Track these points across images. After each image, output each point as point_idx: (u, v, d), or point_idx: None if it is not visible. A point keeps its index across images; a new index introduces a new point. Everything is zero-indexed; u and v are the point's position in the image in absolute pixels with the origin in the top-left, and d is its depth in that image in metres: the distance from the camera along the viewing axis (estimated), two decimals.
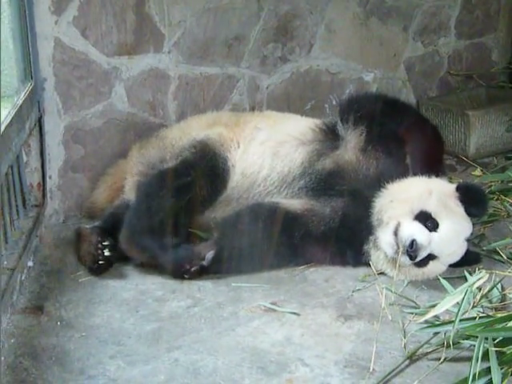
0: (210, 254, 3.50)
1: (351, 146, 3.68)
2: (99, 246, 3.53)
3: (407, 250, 3.32)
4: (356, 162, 3.65)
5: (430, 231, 3.38)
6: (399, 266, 3.37)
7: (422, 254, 3.34)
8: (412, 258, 3.32)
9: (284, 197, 3.69)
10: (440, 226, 3.40)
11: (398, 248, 3.34)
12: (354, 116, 3.70)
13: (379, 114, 3.68)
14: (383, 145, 3.64)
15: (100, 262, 3.52)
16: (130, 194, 3.79)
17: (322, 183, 3.66)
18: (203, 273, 3.50)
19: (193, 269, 3.48)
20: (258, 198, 3.70)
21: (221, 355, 2.94)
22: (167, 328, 3.14)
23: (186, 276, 3.48)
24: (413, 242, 3.30)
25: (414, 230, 3.34)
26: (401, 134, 3.66)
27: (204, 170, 3.68)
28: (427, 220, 3.39)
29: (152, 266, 3.55)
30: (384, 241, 3.42)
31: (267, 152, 3.77)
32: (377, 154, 3.64)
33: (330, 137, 3.75)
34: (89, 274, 3.54)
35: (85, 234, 3.66)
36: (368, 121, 3.68)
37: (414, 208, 3.42)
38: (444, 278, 3.31)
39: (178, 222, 3.59)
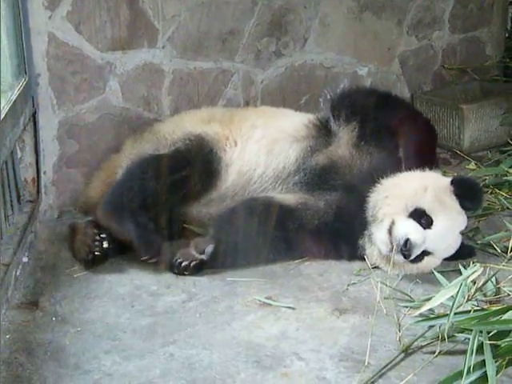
0: (209, 248, 3.49)
1: (344, 142, 3.68)
2: (97, 238, 3.52)
3: (401, 249, 3.32)
4: (349, 157, 3.65)
5: (425, 228, 3.38)
6: (394, 262, 3.38)
7: (416, 253, 3.35)
8: (406, 256, 3.33)
9: (279, 192, 3.69)
10: (435, 223, 3.40)
11: (393, 246, 3.34)
12: (345, 112, 3.71)
13: (371, 109, 3.68)
14: (376, 140, 3.65)
15: (96, 253, 3.51)
16: None
17: (316, 178, 3.66)
18: (202, 267, 3.50)
19: (192, 264, 3.48)
20: (253, 195, 3.71)
21: (216, 349, 2.95)
22: (162, 323, 3.14)
23: (185, 272, 3.48)
24: (407, 242, 3.31)
25: (409, 229, 3.34)
26: (393, 128, 3.67)
27: (195, 162, 3.68)
28: (422, 217, 3.39)
29: (120, 240, 3.56)
30: (378, 239, 3.43)
31: (262, 150, 3.77)
32: (370, 149, 3.65)
33: (324, 132, 3.75)
34: (83, 266, 3.53)
35: (80, 228, 3.65)
36: (360, 116, 3.68)
37: (409, 205, 3.41)
38: (438, 272, 3.32)
39: (159, 206, 3.59)
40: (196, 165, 3.67)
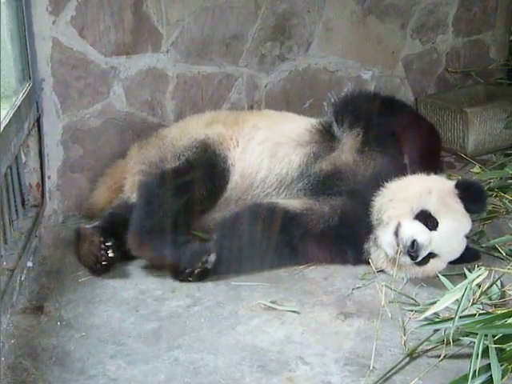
0: (212, 257, 3.48)
1: (347, 148, 3.68)
2: (102, 246, 3.52)
3: (408, 251, 3.32)
4: (353, 163, 3.65)
5: (431, 230, 3.38)
6: (399, 264, 3.38)
7: (423, 254, 3.35)
8: (413, 258, 3.33)
9: (282, 198, 3.69)
10: (440, 225, 3.40)
11: (399, 248, 3.34)
12: (348, 117, 3.70)
13: (374, 114, 3.67)
14: (380, 145, 3.64)
15: (103, 263, 3.51)
16: (129, 193, 3.79)
17: (320, 185, 3.66)
18: (206, 275, 3.50)
19: (196, 271, 3.48)
20: (256, 200, 3.71)
21: (221, 354, 2.95)
22: (167, 327, 3.14)
23: (190, 279, 3.48)
24: (413, 243, 3.31)
25: (415, 230, 3.34)
26: (397, 132, 3.66)
27: (205, 171, 3.68)
28: (427, 219, 3.40)
29: (159, 266, 3.55)
30: (384, 241, 3.43)
31: (265, 153, 3.77)
32: (374, 154, 3.64)
33: (327, 138, 3.74)
34: (91, 274, 3.54)
35: (86, 234, 3.63)
36: (363, 122, 3.67)
37: (414, 207, 3.42)
38: (443, 276, 3.32)
39: (183, 221, 3.58)
40: (205, 172, 3.67)
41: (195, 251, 3.48)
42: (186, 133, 3.86)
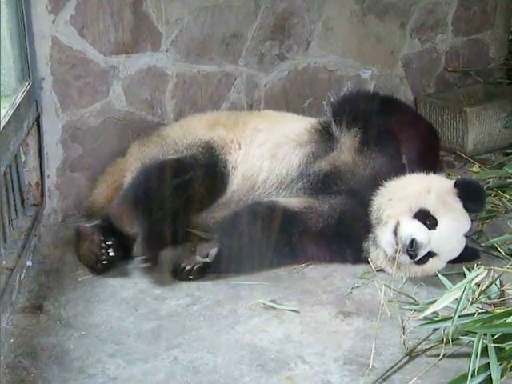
0: (213, 251, 3.49)
1: (346, 147, 3.68)
2: (103, 245, 3.52)
3: (407, 249, 3.32)
4: (352, 162, 3.65)
5: (430, 229, 3.38)
6: (399, 263, 3.38)
7: (422, 253, 3.35)
8: (412, 256, 3.33)
9: (282, 197, 3.69)
10: (439, 224, 3.41)
11: (398, 247, 3.34)
12: (347, 117, 3.70)
13: (373, 113, 3.68)
14: (379, 144, 3.64)
15: (104, 262, 3.51)
16: None
17: (320, 184, 3.67)
18: (206, 271, 3.50)
19: (196, 267, 3.48)
20: (257, 200, 3.71)
21: (220, 353, 2.95)
22: (166, 326, 3.14)
23: (190, 277, 3.48)
24: (413, 242, 3.31)
25: (414, 229, 3.35)
26: (396, 132, 3.66)
27: (207, 170, 3.70)
28: (426, 218, 3.40)
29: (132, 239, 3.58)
30: (384, 240, 3.43)
31: (266, 154, 3.78)
32: (373, 153, 3.65)
33: (326, 137, 3.75)
34: (90, 273, 3.54)
35: (86, 233, 3.63)
36: (362, 121, 3.67)
37: (413, 206, 3.42)
38: (443, 275, 3.32)
39: (175, 215, 3.59)
40: (206, 171, 3.69)
41: (154, 244, 3.53)
42: (189, 132, 3.87)
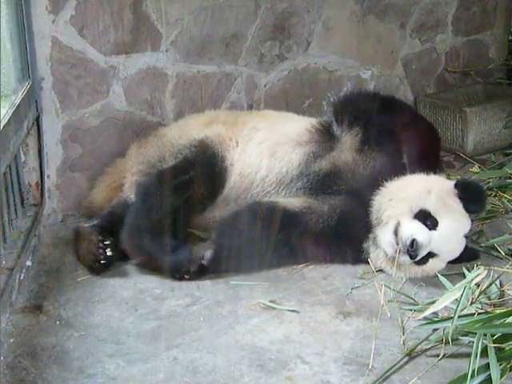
0: (208, 253, 3.50)
1: (347, 147, 3.68)
2: (100, 245, 3.52)
3: (407, 250, 3.32)
4: (352, 162, 3.66)
5: (430, 230, 3.38)
6: (399, 264, 3.38)
7: (422, 253, 3.35)
8: (412, 257, 3.33)
9: (282, 197, 3.69)
10: (439, 224, 3.41)
11: (398, 247, 3.34)
12: (348, 117, 3.71)
13: (374, 113, 3.68)
14: (379, 144, 3.65)
15: (102, 262, 3.51)
16: (129, 193, 3.80)
17: (320, 184, 3.67)
18: (203, 273, 3.50)
19: (192, 269, 3.48)
20: (255, 199, 3.72)
21: (220, 353, 2.95)
22: (166, 326, 3.14)
23: (186, 277, 3.48)
24: (413, 242, 3.31)
25: (414, 230, 3.35)
26: (396, 132, 3.66)
27: (203, 169, 3.69)
28: (427, 218, 3.40)
29: (151, 266, 3.55)
30: (384, 240, 3.43)
31: (265, 153, 3.77)
32: (373, 153, 3.65)
33: (327, 137, 3.75)
34: (89, 273, 3.54)
35: (84, 233, 3.65)
36: (363, 121, 3.68)
37: (414, 207, 3.42)
38: (442, 275, 3.32)
39: (179, 221, 3.60)
40: (202, 171, 3.68)
41: (184, 256, 3.49)
42: (185, 132, 3.87)
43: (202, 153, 3.74)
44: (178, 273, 3.47)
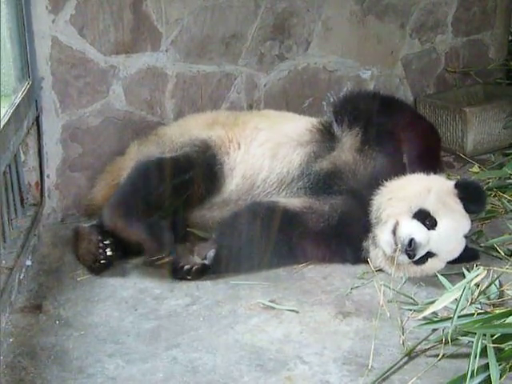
0: (211, 253, 3.49)
1: (347, 147, 3.68)
2: (100, 245, 3.52)
3: (406, 249, 3.32)
4: (353, 162, 3.66)
5: (429, 229, 3.38)
6: (398, 263, 3.38)
7: (421, 253, 3.35)
8: (410, 256, 3.33)
9: (283, 197, 3.69)
10: (439, 224, 3.41)
11: (397, 247, 3.34)
12: (348, 117, 3.71)
13: (374, 113, 3.68)
14: (380, 144, 3.65)
15: (101, 262, 3.51)
16: None
17: (321, 184, 3.67)
18: (204, 272, 3.50)
19: (194, 268, 3.48)
20: (256, 199, 3.71)
21: (219, 353, 2.95)
22: (166, 326, 3.14)
23: (188, 277, 3.48)
24: (411, 241, 3.31)
25: (413, 229, 3.35)
26: (397, 132, 3.67)
27: (201, 168, 3.69)
28: (426, 218, 3.40)
29: (127, 240, 3.55)
30: (383, 239, 3.43)
31: (266, 154, 3.77)
32: (373, 153, 3.65)
33: (327, 137, 3.75)
34: (89, 272, 3.54)
35: (84, 233, 3.65)
36: (363, 121, 3.68)
37: (413, 206, 3.42)
38: (442, 275, 3.32)
39: (165, 206, 3.60)
40: (201, 169, 3.68)
41: (163, 238, 3.49)
42: (187, 131, 3.87)
43: (202, 153, 3.74)
44: (180, 273, 3.47)
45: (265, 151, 3.78)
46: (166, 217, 3.59)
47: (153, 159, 3.71)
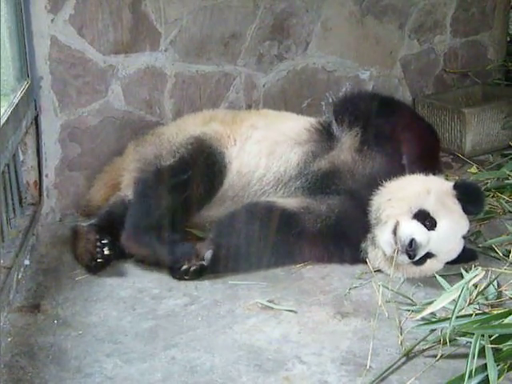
0: (208, 253, 3.49)
1: (346, 147, 3.69)
2: (98, 244, 3.53)
3: (406, 249, 3.32)
4: (352, 162, 3.66)
5: (429, 230, 3.39)
6: (397, 264, 3.39)
7: (421, 253, 3.35)
8: (411, 256, 3.33)
9: (280, 196, 3.69)
10: (438, 225, 3.41)
11: (397, 247, 3.35)
12: (348, 117, 3.71)
13: (373, 113, 3.68)
14: (379, 145, 3.65)
15: (98, 260, 3.51)
16: (126, 191, 3.79)
17: (318, 183, 3.67)
18: (202, 273, 3.49)
19: (192, 268, 3.48)
20: (253, 198, 3.72)
21: (218, 353, 2.95)
22: (164, 326, 3.14)
23: (186, 277, 3.48)
24: (412, 242, 3.31)
25: (413, 229, 3.35)
26: (396, 133, 3.67)
27: (201, 167, 3.69)
28: (426, 219, 3.40)
29: (153, 264, 3.55)
30: (383, 239, 3.43)
31: (263, 151, 3.77)
32: (372, 153, 3.65)
33: (326, 137, 3.75)
34: (86, 272, 3.54)
35: (82, 232, 3.65)
36: (362, 121, 3.68)
37: (413, 207, 3.42)
38: (440, 276, 3.32)
39: (177, 219, 3.60)
40: (200, 169, 3.68)
41: (186, 251, 3.48)
42: (183, 130, 3.87)
43: (198, 150, 3.73)
44: (178, 273, 3.47)
45: (261, 149, 3.78)
46: (171, 220, 3.58)
47: (151, 175, 3.69)
